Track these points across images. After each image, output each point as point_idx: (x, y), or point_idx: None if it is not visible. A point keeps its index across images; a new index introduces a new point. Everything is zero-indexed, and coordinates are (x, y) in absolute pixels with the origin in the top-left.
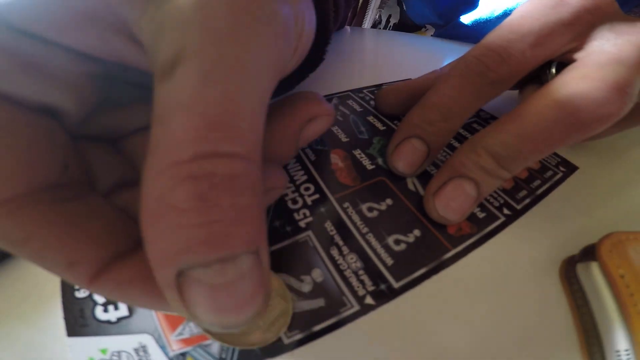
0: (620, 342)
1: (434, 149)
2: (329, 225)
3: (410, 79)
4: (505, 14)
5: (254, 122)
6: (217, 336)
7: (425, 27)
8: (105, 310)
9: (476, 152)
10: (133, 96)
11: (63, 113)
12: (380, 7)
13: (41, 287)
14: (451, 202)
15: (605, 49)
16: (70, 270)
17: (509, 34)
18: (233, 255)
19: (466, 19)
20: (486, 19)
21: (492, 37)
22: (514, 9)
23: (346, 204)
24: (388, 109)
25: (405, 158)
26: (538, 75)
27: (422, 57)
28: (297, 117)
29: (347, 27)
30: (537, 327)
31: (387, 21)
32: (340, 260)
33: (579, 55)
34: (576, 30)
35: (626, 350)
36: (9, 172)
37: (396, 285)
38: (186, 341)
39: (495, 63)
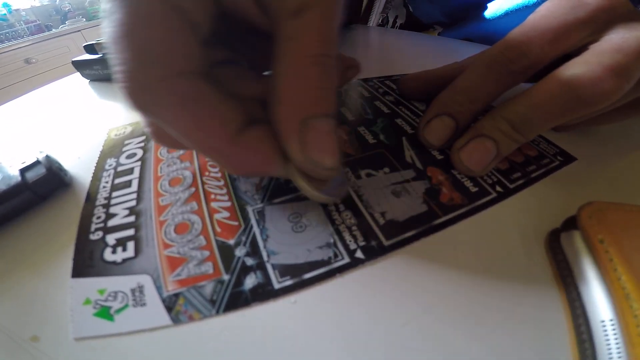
0: (604, 312)
1: (461, 126)
2: None
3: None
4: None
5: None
6: (307, 184)
7: (433, 27)
8: (114, 252)
9: (495, 119)
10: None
11: (201, 31)
12: (384, 11)
13: (54, 239)
14: (474, 154)
15: (612, 41)
16: (221, 127)
17: (530, 31)
18: (330, 114)
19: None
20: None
21: (515, 33)
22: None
23: (346, 169)
24: (410, 93)
25: (436, 132)
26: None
27: (425, 52)
28: (344, 63)
29: (357, 25)
30: (523, 298)
31: (394, 22)
32: (335, 216)
33: (591, 47)
34: (592, 28)
35: (611, 320)
36: (192, 54)
37: (386, 243)
38: (182, 282)
39: (517, 56)
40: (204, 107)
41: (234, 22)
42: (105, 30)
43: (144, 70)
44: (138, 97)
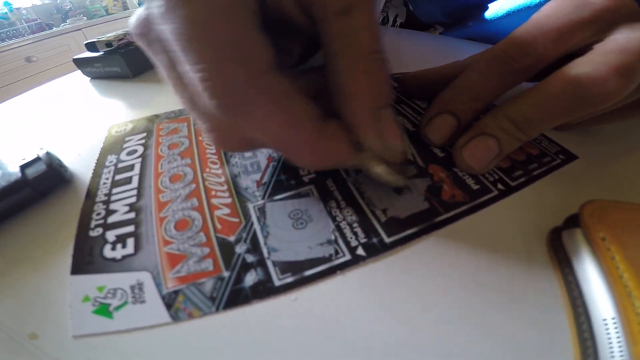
0: (606, 310)
1: (463, 124)
2: (329, 182)
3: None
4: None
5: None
6: (386, 168)
7: (434, 26)
8: (113, 249)
9: (498, 117)
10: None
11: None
12: (384, 10)
13: (54, 235)
14: (476, 152)
15: (616, 41)
16: (311, 122)
17: (533, 29)
18: (390, 104)
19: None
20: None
21: (519, 32)
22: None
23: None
24: (411, 91)
25: (438, 130)
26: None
27: (426, 51)
28: None
29: None
30: (524, 296)
31: (394, 21)
32: (337, 213)
33: (595, 46)
34: (596, 28)
35: (613, 318)
36: (271, 49)
37: (387, 240)
38: (181, 279)
39: (520, 55)
40: (295, 103)
41: (271, 21)
42: (163, 28)
43: (234, 67)
44: (228, 97)
